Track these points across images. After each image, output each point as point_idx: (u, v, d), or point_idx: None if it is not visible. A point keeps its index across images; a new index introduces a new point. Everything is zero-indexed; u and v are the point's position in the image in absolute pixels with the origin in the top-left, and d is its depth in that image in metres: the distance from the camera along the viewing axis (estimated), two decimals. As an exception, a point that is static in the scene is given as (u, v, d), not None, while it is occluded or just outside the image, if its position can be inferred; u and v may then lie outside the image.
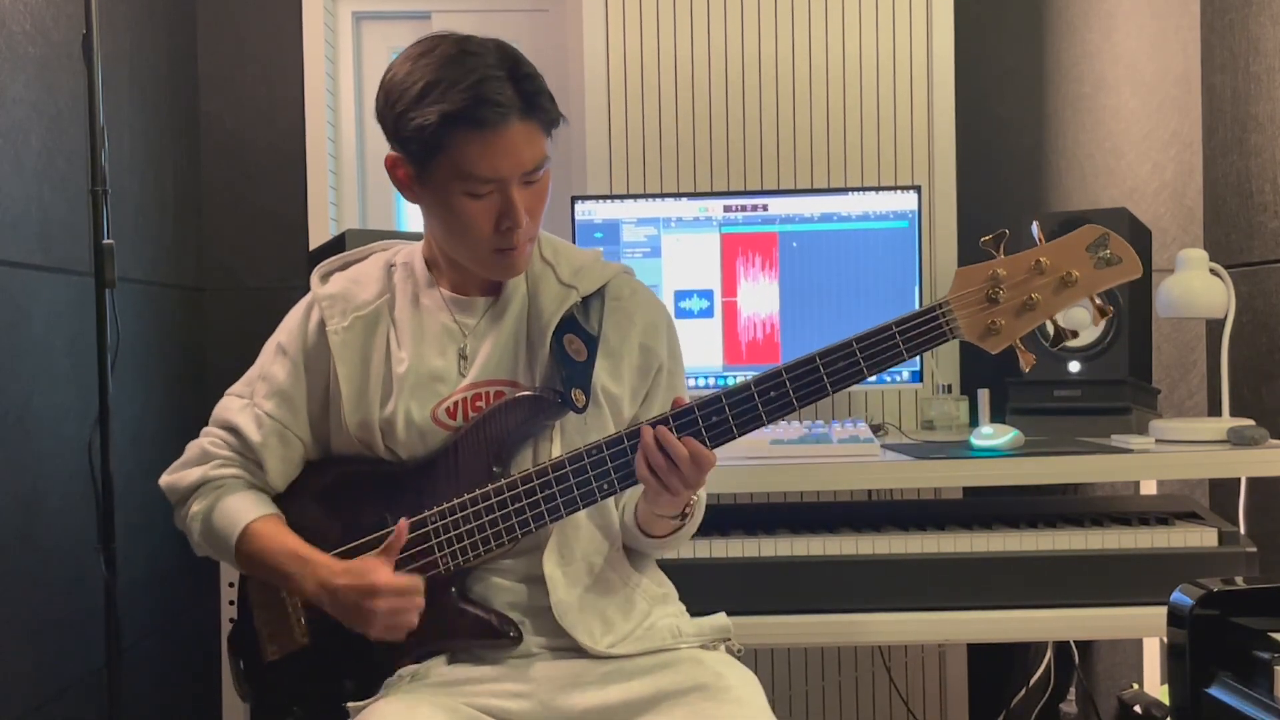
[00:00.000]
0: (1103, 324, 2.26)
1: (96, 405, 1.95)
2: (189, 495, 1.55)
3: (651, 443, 1.39)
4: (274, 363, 1.56)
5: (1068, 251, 1.36)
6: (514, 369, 1.52)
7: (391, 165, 1.47)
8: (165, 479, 1.58)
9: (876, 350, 1.38)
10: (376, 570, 1.41)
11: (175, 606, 2.59)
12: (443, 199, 1.43)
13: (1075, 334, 1.41)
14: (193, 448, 1.57)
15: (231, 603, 2.01)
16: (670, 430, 1.40)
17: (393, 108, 1.41)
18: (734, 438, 1.41)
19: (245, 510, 1.50)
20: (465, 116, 1.36)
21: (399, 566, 1.44)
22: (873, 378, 1.42)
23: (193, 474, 1.54)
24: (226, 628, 1.68)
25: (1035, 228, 1.40)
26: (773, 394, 1.39)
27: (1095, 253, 1.36)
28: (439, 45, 1.41)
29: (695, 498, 1.52)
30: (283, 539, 1.49)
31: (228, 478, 1.54)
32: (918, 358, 2.30)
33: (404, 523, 1.44)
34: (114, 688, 1.95)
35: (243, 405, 1.56)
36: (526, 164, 1.41)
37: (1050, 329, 1.40)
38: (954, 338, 1.38)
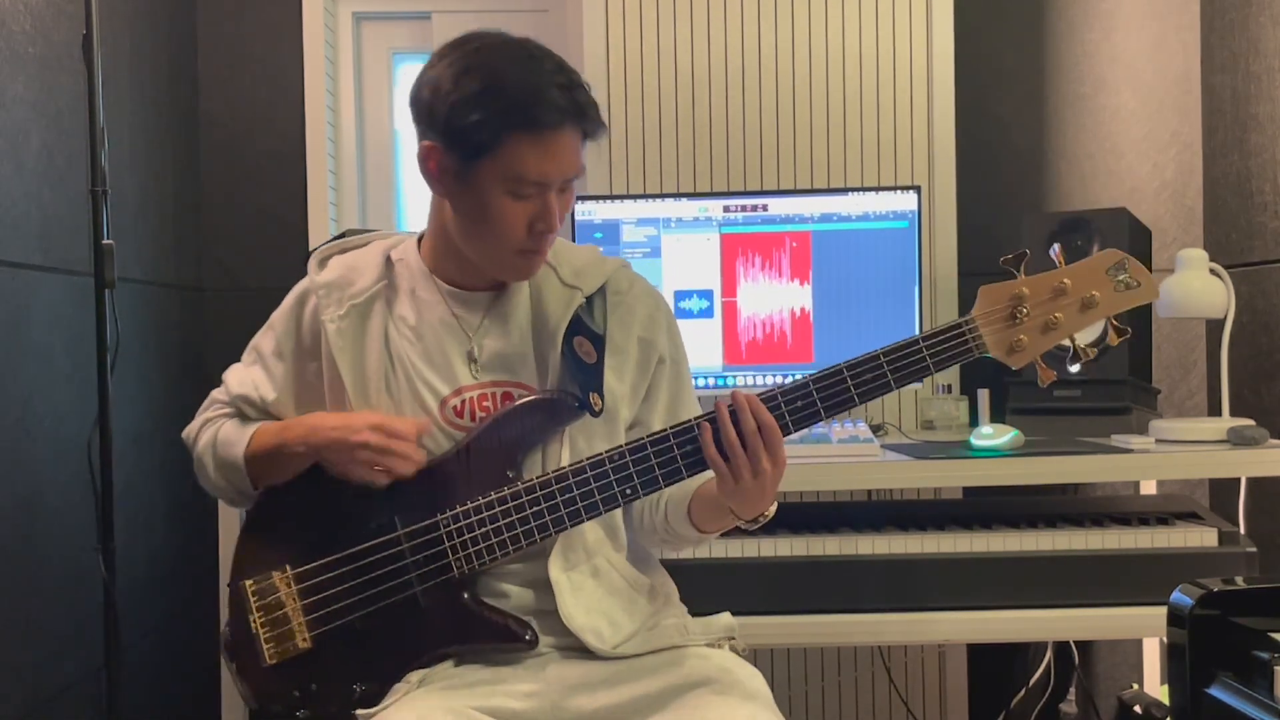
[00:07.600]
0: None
1: (96, 405, 1.95)
2: (195, 438, 1.62)
3: (726, 416, 1.37)
4: (263, 337, 1.62)
5: (1089, 274, 1.41)
6: (522, 371, 1.52)
7: (425, 156, 1.46)
8: (185, 431, 1.66)
9: (903, 364, 1.41)
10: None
11: (174, 607, 2.58)
12: (481, 197, 1.43)
13: (1092, 354, 1.44)
14: (206, 401, 1.66)
15: (231, 602, 2.00)
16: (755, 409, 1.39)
17: (445, 99, 1.40)
18: None
19: (245, 428, 1.56)
20: (527, 119, 1.38)
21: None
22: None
23: (196, 421, 1.64)
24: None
25: (1055, 250, 1.45)
26: (799, 404, 1.41)
27: (1115, 276, 1.40)
28: (502, 44, 1.43)
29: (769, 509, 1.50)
30: (276, 424, 1.55)
31: (221, 416, 1.61)
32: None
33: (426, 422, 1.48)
34: (113, 688, 1.95)
35: (241, 372, 1.62)
36: (570, 170, 1.43)
37: (1071, 348, 1.44)
38: (979, 354, 1.42)
